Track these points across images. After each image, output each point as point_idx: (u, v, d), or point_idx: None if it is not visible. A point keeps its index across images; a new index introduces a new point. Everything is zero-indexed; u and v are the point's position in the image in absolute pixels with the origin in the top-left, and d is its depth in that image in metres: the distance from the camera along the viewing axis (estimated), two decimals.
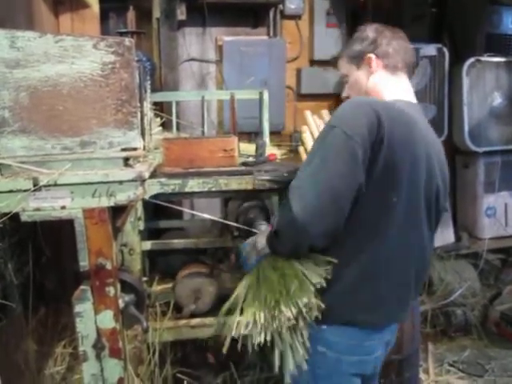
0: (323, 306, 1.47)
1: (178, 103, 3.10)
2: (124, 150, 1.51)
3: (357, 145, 1.32)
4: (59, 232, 2.21)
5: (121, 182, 1.46)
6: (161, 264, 2.60)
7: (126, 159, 1.53)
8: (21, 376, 2.01)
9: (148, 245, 2.33)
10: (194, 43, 3.63)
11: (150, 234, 2.66)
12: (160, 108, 2.99)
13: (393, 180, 1.37)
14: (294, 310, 1.48)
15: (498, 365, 3.07)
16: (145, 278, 2.28)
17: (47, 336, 2.21)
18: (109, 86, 1.46)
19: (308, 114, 3.05)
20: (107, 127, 1.48)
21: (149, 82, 2.11)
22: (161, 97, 2.83)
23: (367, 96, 1.63)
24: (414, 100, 1.65)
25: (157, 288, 2.44)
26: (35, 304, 2.06)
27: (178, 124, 3.03)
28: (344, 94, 1.74)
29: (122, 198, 1.48)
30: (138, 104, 1.62)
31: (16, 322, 1.87)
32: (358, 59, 1.64)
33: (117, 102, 1.47)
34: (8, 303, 1.69)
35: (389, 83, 1.62)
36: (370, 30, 1.64)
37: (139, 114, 1.67)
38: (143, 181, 1.49)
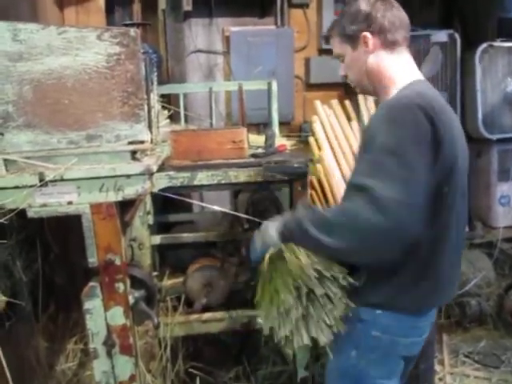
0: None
1: (185, 95, 3.07)
2: (131, 143, 1.48)
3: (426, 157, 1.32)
4: (68, 227, 2.18)
5: (128, 176, 1.44)
6: (171, 258, 2.59)
7: (134, 152, 1.50)
8: (32, 373, 2.00)
9: (158, 239, 2.31)
10: (200, 34, 3.59)
11: (159, 227, 2.65)
12: (167, 100, 2.95)
13: (445, 172, 1.38)
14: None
15: None
16: (155, 273, 2.27)
17: (58, 332, 2.20)
18: (114, 77, 1.43)
19: (318, 103, 3.00)
20: (113, 120, 1.45)
21: (155, 74, 2.07)
22: (168, 89, 2.80)
23: (368, 77, 1.52)
24: (421, 76, 1.55)
25: (167, 282, 2.43)
26: (45, 301, 2.04)
27: (185, 116, 3.00)
28: (342, 73, 1.61)
29: (129, 192, 1.45)
30: (145, 96, 1.58)
31: (26, 320, 1.86)
32: (353, 39, 1.49)
33: (123, 94, 1.44)
34: (17, 301, 1.66)
35: (394, 63, 1.49)
36: (361, 3, 1.48)
37: (146, 107, 1.64)
38: (151, 174, 1.46)
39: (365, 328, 1.49)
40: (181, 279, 2.39)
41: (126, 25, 2.84)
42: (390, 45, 1.48)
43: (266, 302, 1.51)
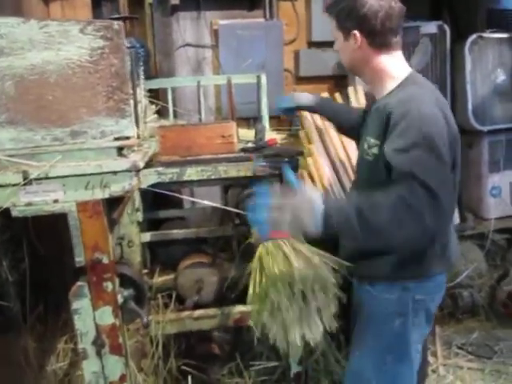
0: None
1: (174, 90, 3.03)
2: (117, 139, 1.45)
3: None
4: (57, 225, 2.15)
5: (115, 173, 1.41)
6: (162, 255, 2.55)
7: (120, 149, 1.47)
8: (22, 373, 1.97)
9: (147, 236, 2.28)
10: (188, 28, 3.54)
11: (149, 224, 2.62)
12: (156, 95, 2.92)
13: (453, 158, 1.50)
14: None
15: (507, 346, 3.02)
16: (145, 270, 2.24)
17: (48, 332, 2.16)
18: (98, 72, 1.39)
19: None
20: (98, 116, 1.42)
21: (142, 68, 2.04)
22: (156, 83, 2.76)
23: (358, 67, 1.61)
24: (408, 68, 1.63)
25: (158, 280, 2.40)
26: (34, 301, 2.01)
27: (174, 111, 2.97)
28: (336, 48, 1.67)
29: (116, 189, 1.42)
30: (131, 91, 1.55)
31: (13, 320, 1.83)
32: (346, 31, 1.56)
33: (107, 88, 1.41)
34: (2, 303, 1.63)
35: (382, 62, 1.57)
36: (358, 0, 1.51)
37: (132, 102, 1.61)
38: (138, 171, 1.43)
39: (410, 295, 1.61)
40: (172, 276, 2.36)
41: (113, 19, 2.79)
42: (377, 47, 1.54)
43: (258, 299, 1.49)
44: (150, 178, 1.88)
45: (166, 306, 2.27)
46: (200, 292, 2.26)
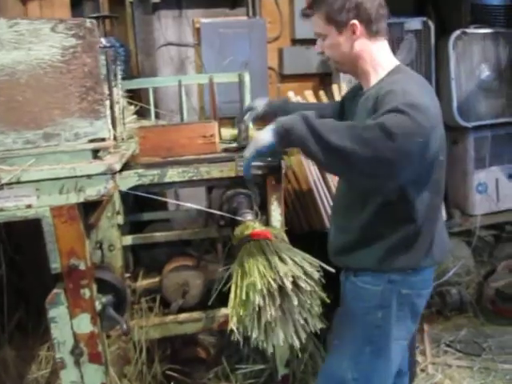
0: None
1: (156, 90, 2.98)
2: (92, 141, 1.40)
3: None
4: (37, 229, 2.10)
5: (89, 176, 1.36)
6: (145, 258, 2.51)
7: (95, 151, 1.42)
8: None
9: (129, 239, 2.23)
10: (170, 27, 3.49)
11: (133, 227, 2.56)
12: (138, 96, 2.87)
13: (441, 141, 1.52)
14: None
15: (496, 343, 3.01)
16: (127, 274, 2.19)
17: (29, 340, 2.11)
18: (71, 72, 1.35)
19: (291, 95, 2.96)
20: (72, 117, 1.37)
21: (120, 68, 1.98)
22: (136, 84, 2.70)
23: (351, 61, 1.59)
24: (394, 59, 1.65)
25: (142, 283, 2.35)
26: (13, 308, 1.95)
27: (157, 112, 2.92)
28: (319, 50, 1.63)
29: (91, 193, 1.38)
30: (106, 91, 1.51)
31: None
32: (340, 24, 1.53)
33: (81, 89, 1.36)
34: None
35: (376, 49, 1.57)
36: None
37: (108, 102, 1.57)
38: (114, 173, 1.38)
39: (395, 288, 1.60)
40: (156, 279, 2.32)
41: (91, 18, 2.73)
42: (374, 34, 1.55)
43: (239, 302, 1.45)
44: (129, 180, 1.83)
45: (151, 309, 2.22)
46: (185, 295, 2.22)
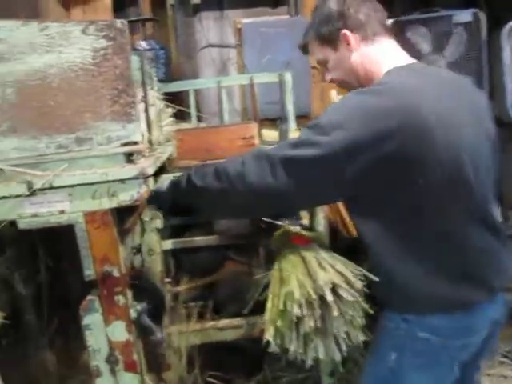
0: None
1: (197, 93, 2.95)
2: (125, 144, 1.37)
3: None
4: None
5: (122, 181, 1.33)
6: (187, 263, 2.48)
7: (129, 155, 1.39)
8: None
9: (169, 244, 2.20)
10: (211, 28, 3.47)
11: (174, 231, 2.53)
12: (179, 99, 2.85)
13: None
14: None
15: None
16: (167, 279, 2.16)
17: (69, 344, 2.11)
18: (102, 74, 1.32)
19: (334, 94, 2.86)
20: (104, 121, 1.34)
21: (158, 70, 1.96)
22: (175, 86, 2.68)
23: (354, 74, 1.43)
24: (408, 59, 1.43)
25: (183, 288, 2.32)
26: (54, 313, 1.96)
27: (198, 115, 2.89)
28: (327, 79, 1.52)
29: (124, 197, 1.34)
30: (142, 93, 1.48)
31: (30, 335, 1.78)
32: (332, 40, 1.42)
33: (112, 92, 1.33)
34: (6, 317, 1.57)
35: (376, 54, 1.41)
36: (331, 3, 1.42)
37: (143, 105, 1.53)
38: (147, 177, 1.35)
39: (410, 328, 1.34)
40: (198, 284, 2.29)
41: (131, 21, 2.74)
42: (370, 37, 1.41)
43: (275, 312, 1.38)
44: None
45: (201, 315, 2.18)
46: (238, 302, 2.18)
